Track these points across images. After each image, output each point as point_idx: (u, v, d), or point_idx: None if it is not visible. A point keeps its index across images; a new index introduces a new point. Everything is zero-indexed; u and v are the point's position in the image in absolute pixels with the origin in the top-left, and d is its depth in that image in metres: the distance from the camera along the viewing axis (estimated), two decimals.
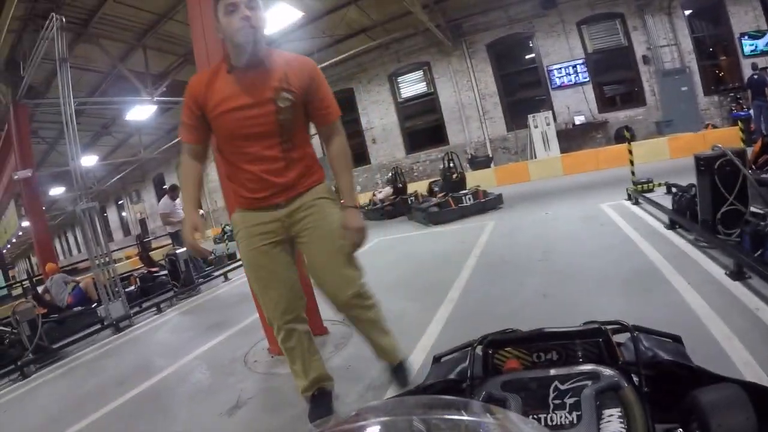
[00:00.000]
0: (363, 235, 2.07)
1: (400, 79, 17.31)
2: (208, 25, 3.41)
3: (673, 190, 5.03)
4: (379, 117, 17.72)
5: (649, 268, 3.67)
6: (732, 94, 12.78)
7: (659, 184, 6.63)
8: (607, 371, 1.10)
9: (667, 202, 5.11)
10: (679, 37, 13.27)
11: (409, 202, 10.82)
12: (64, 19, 6.89)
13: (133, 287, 8.17)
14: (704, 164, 3.65)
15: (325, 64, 14.91)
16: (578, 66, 14.40)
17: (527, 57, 15.47)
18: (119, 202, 30.85)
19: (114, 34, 10.92)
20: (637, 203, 6.33)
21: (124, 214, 30.86)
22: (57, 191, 21.17)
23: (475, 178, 11.85)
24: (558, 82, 14.69)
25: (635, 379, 1.12)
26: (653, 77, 13.60)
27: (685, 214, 4.40)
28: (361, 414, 0.61)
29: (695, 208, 4.10)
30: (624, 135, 7.37)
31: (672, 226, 4.70)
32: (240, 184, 2.02)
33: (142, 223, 28.02)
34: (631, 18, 13.65)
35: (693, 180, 4.12)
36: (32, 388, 4.70)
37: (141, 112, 13.98)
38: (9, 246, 25.90)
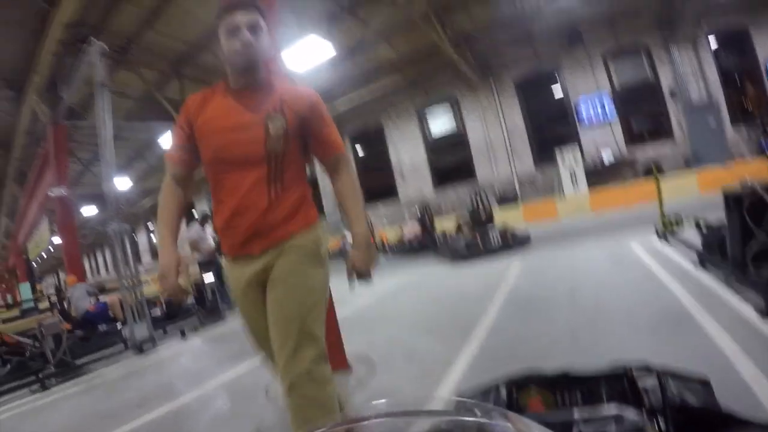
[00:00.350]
0: (372, 267, 1.85)
1: (428, 115, 17.60)
2: None
3: (702, 227, 4.93)
4: (407, 153, 17.98)
5: (678, 308, 3.57)
6: (760, 125, 12.55)
7: (688, 221, 6.50)
8: (632, 414, 1.08)
9: (697, 239, 4.99)
10: (705, 68, 13.23)
11: (437, 238, 10.82)
12: (105, 47, 7.22)
13: (158, 310, 8.28)
14: (733, 201, 3.58)
15: (357, 102, 15.37)
16: (606, 101, 14.38)
17: (554, 92, 15.55)
18: (149, 226, 31.53)
19: (152, 62, 11.39)
20: (665, 241, 6.20)
21: (153, 238, 31.49)
22: (90, 211, 21.75)
23: (502, 216, 11.81)
24: (585, 118, 14.68)
25: (661, 422, 1.09)
26: (680, 111, 13.48)
27: (714, 251, 4.29)
28: (369, 414, 0.60)
29: (725, 245, 4.00)
30: (652, 171, 7.28)
31: (701, 264, 4.59)
32: (220, 220, 1.81)
33: None
34: (657, 51, 13.67)
35: (722, 215, 4.03)
36: (52, 401, 4.79)
37: None
38: (39, 261, 26.60)
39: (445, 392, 2.88)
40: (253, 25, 1.69)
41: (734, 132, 13.15)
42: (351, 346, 3.86)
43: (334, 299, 3.73)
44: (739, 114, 13.39)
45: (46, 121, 10.50)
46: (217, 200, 1.80)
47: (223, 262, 2.00)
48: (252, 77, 1.75)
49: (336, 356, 3.63)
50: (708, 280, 4.16)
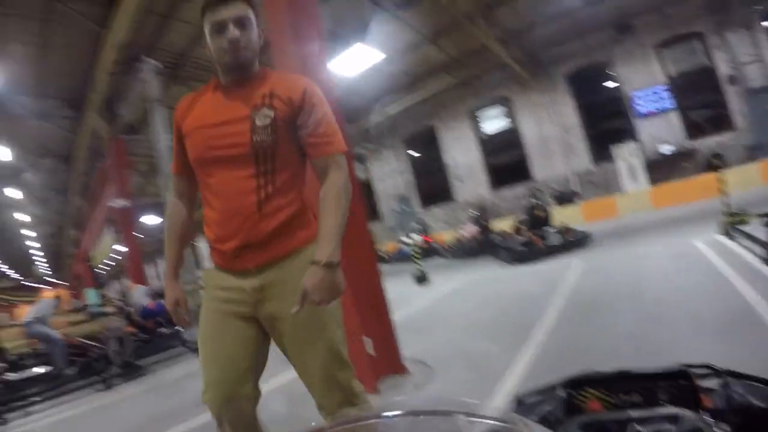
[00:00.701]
0: (327, 300, 1.47)
1: (481, 115, 17.34)
2: (290, 67, 3.65)
3: None
4: (461, 154, 17.77)
5: (745, 309, 3.36)
6: None
7: (755, 216, 6.13)
8: (691, 415, 1.03)
9: (764, 235, 4.70)
10: (763, 51, 12.35)
11: (495, 240, 10.67)
12: (157, 64, 7.57)
13: None
14: None
15: (408, 105, 15.61)
16: (661, 91, 13.76)
17: (608, 85, 14.97)
18: None
19: (203, 76, 11.84)
20: (731, 237, 5.87)
21: None
22: (152, 220, 22.69)
23: (561, 215, 11.55)
24: (641, 109, 14.07)
25: (722, 426, 1.04)
26: (741, 98, 12.71)
27: None
28: (374, 414, 0.60)
29: None
30: (714, 163, 6.92)
31: None
32: (209, 227, 1.64)
33: None
34: (711, 36, 12.93)
35: None
36: (115, 400, 5.12)
37: None
38: (107, 268, 28.07)
39: (501, 396, 2.84)
40: (240, 18, 1.53)
41: None
42: (408, 348, 3.85)
43: (390, 301, 3.77)
44: None
45: (105, 136, 11.10)
46: (206, 204, 1.65)
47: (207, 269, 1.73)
48: (242, 73, 1.60)
49: (392, 359, 3.63)
50: None
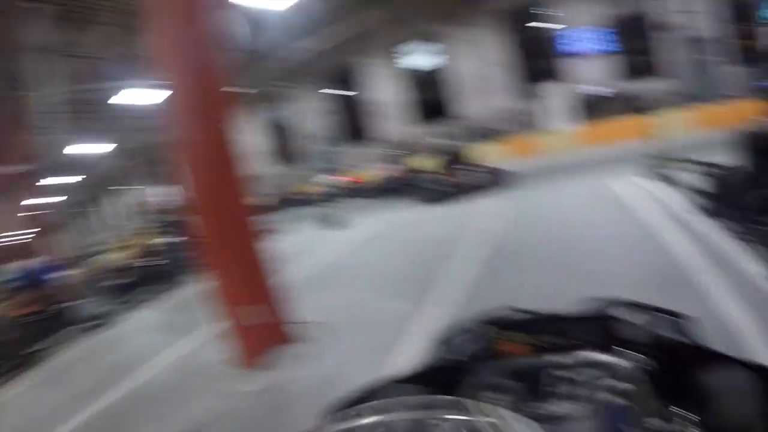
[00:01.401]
0: None
1: (404, 50, 16.74)
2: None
3: (703, 169, 4.45)
4: (383, 91, 17.24)
5: (674, 265, 3.22)
6: (761, 63, 11.91)
7: (686, 162, 6.08)
8: (610, 356, 0.99)
9: (695, 183, 4.54)
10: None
11: (413, 179, 10.44)
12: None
13: None
14: (748, 141, 3.07)
15: (329, 40, 14.85)
16: (593, 33, 13.78)
17: (540, 22, 14.71)
18: None
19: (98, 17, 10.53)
20: (660, 183, 5.79)
21: None
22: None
23: (483, 153, 11.38)
24: (573, 49, 14.06)
25: (639, 361, 0.98)
26: (673, 45, 12.85)
27: (719, 198, 3.83)
28: (356, 414, 0.62)
29: (731, 191, 3.54)
30: (641, 107, 6.81)
31: (703, 212, 4.12)
32: None
33: None
34: None
35: (722, 157, 3.62)
36: None
37: None
38: None
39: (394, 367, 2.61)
40: None
41: (730, 69, 12.45)
42: (306, 309, 3.57)
43: (281, 260, 3.50)
44: (739, 51, 12.62)
45: None
46: None
47: None
48: None
49: (277, 328, 3.30)
50: (710, 231, 3.77)
